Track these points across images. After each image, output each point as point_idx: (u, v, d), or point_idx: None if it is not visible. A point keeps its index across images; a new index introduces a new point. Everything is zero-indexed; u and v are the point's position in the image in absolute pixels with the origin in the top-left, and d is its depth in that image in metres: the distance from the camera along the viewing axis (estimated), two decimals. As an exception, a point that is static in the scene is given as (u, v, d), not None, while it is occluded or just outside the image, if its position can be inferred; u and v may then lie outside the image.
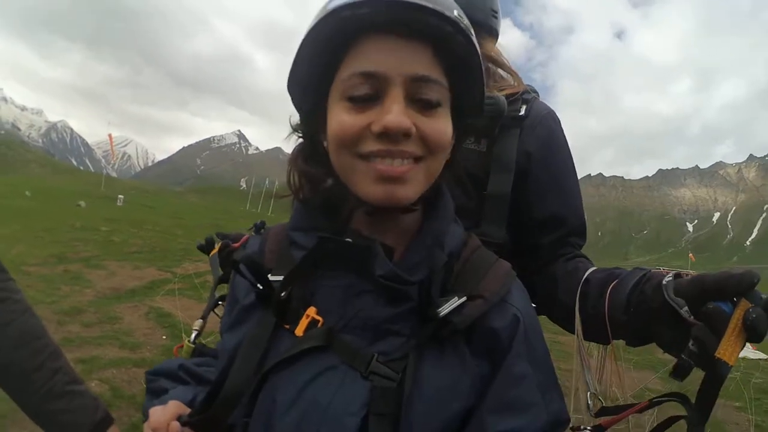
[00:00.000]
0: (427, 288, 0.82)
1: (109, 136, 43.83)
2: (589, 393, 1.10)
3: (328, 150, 0.87)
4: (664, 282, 0.92)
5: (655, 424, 0.94)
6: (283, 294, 0.86)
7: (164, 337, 6.78)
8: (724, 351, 0.76)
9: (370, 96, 0.79)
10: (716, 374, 0.77)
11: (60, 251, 12.07)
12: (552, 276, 1.33)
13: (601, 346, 1.26)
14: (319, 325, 0.83)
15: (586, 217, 1.46)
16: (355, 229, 0.88)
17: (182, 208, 41.97)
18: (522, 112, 1.39)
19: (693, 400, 0.83)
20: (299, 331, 0.83)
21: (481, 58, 0.82)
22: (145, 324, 7.31)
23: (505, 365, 0.83)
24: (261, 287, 0.88)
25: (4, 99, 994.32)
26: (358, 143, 0.80)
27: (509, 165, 1.35)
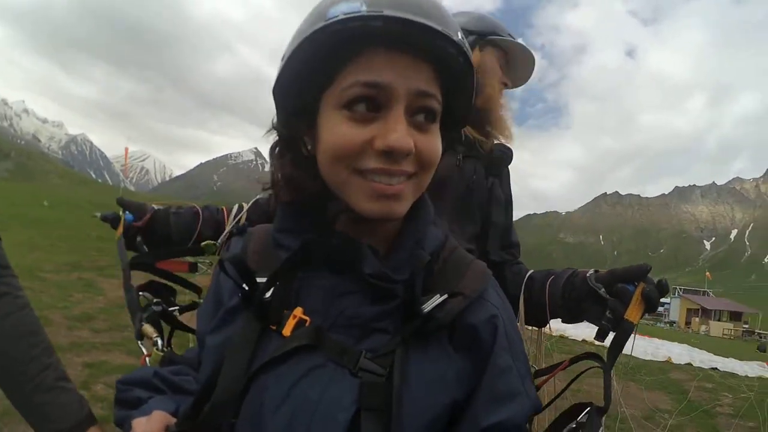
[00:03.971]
0: (412, 286, 0.83)
1: (125, 149, 44.07)
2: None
3: (318, 158, 0.85)
4: (588, 274, 1.34)
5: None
6: (269, 295, 0.86)
7: (171, 346, 6.80)
8: (630, 313, 1.11)
9: (373, 106, 0.78)
10: (624, 330, 1.09)
11: (75, 259, 12.25)
12: (502, 276, 1.69)
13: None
14: (307, 324, 0.84)
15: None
16: (341, 231, 0.89)
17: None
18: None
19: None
20: (287, 331, 0.83)
21: (474, 82, 0.87)
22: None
23: (490, 360, 0.85)
24: (247, 288, 0.87)
25: (26, 111, 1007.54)
26: (356, 158, 0.79)
27: (508, 200, 1.83)
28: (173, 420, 0.85)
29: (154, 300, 1.51)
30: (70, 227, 18.15)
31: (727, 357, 18.04)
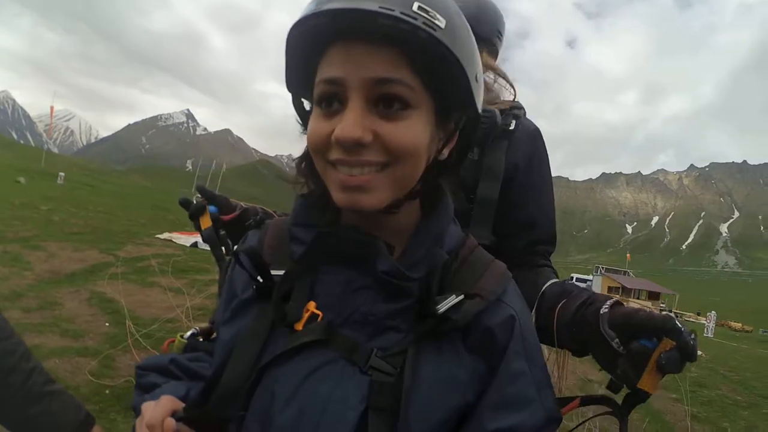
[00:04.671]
0: (428, 285, 0.83)
1: (51, 108, 42.05)
2: None
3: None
4: (601, 311, 1.05)
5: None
6: (283, 288, 0.86)
7: (107, 324, 6.55)
8: (645, 383, 0.92)
9: (334, 101, 0.78)
10: (638, 399, 0.96)
11: (-3, 229, 11.58)
12: (516, 280, 1.39)
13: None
14: (319, 319, 0.83)
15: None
16: (355, 226, 0.88)
17: (125, 188, 40.75)
18: (512, 127, 1.51)
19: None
20: (299, 325, 0.83)
21: (455, 51, 0.76)
22: (87, 310, 7.05)
23: (503, 363, 0.84)
24: (261, 280, 0.88)
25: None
26: (326, 152, 0.80)
27: (498, 173, 1.48)
28: (181, 405, 0.85)
29: None
30: (-8, 193, 17.18)
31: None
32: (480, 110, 0.88)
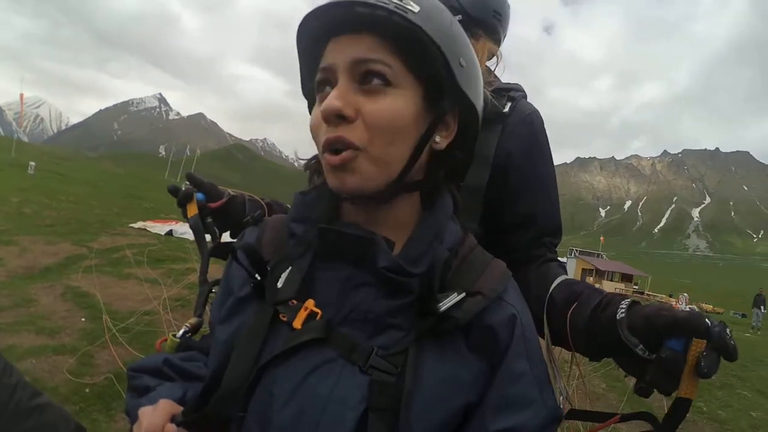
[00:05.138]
0: (429, 281, 0.82)
1: (21, 95, 41.01)
2: (561, 397, 1.14)
3: None
4: (618, 317, 0.97)
5: None
6: (280, 285, 0.86)
7: (83, 319, 6.41)
8: (684, 390, 0.84)
9: (327, 85, 0.84)
10: (680, 412, 0.86)
11: (-35, 223, 11.32)
12: (525, 280, 1.27)
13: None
14: (318, 317, 0.83)
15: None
16: (354, 222, 0.89)
17: (97, 175, 39.87)
18: (506, 109, 1.41)
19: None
20: (297, 323, 0.82)
21: (429, 32, 0.80)
22: (63, 306, 6.89)
23: (505, 362, 0.84)
24: (259, 278, 0.88)
25: None
26: (318, 135, 0.84)
27: (487, 159, 1.37)
28: (179, 408, 0.84)
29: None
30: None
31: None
32: (472, 98, 0.88)
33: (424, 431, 0.77)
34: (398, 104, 0.81)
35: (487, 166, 1.37)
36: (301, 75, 0.94)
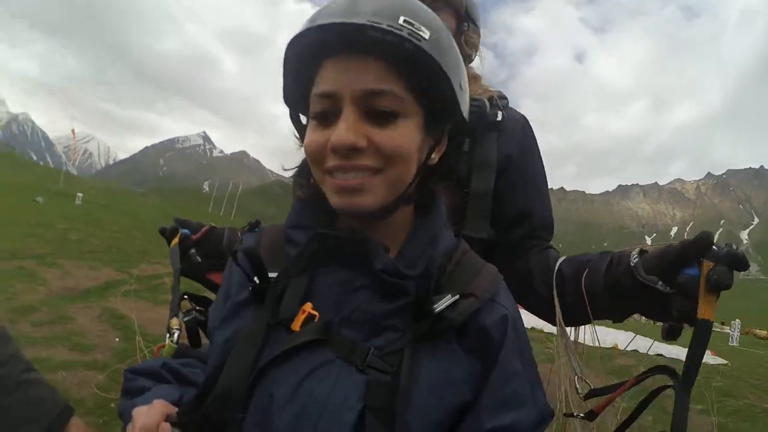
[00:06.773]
0: (425, 283, 0.84)
1: (72, 131, 42.59)
2: (576, 377, 1.21)
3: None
4: (632, 263, 1.05)
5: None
6: (278, 289, 0.87)
7: (117, 339, 6.59)
8: (703, 310, 0.89)
9: (330, 114, 0.82)
10: (702, 335, 0.90)
11: (13, 246, 11.64)
12: (526, 268, 1.42)
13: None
14: (316, 320, 0.84)
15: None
16: (350, 227, 0.89)
17: (142, 209, 41.12)
18: (499, 117, 1.49)
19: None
20: (296, 326, 0.83)
21: (439, 61, 0.80)
22: (98, 326, 7.10)
23: (498, 362, 0.85)
24: (257, 281, 0.89)
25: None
26: (323, 160, 0.84)
27: (491, 164, 1.45)
28: (174, 409, 0.85)
29: (197, 308, 1.51)
30: (9, 212, 17.25)
31: (671, 344, 18.68)
32: (466, 117, 0.91)
33: (421, 430, 0.78)
34: (407, 133, 0.83)
35: (492, 172, 1.45)
36: (284, 82, 0.92)
